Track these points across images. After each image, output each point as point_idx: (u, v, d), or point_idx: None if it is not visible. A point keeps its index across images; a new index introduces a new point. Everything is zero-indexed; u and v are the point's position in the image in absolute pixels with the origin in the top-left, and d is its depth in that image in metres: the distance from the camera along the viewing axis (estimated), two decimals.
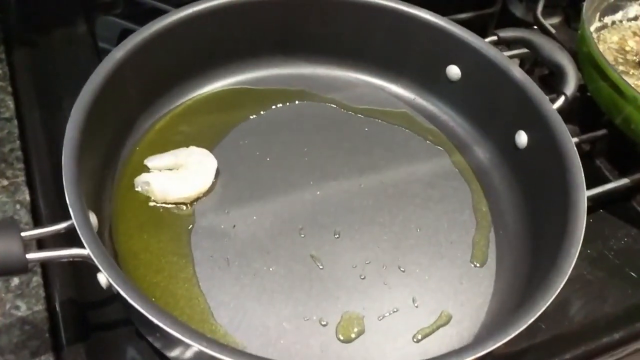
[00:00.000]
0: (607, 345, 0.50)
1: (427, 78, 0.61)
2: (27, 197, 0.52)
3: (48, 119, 0.58)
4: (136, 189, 0.52)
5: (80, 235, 0.39)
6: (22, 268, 0.39)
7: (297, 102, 0.61)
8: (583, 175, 0.47)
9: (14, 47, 0.64)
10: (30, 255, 0.39)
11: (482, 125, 0.59)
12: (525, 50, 0.66)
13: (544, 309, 0.40)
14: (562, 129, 0.50)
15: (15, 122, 0.58)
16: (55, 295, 0.47)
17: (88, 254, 0.38)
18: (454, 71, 0.59)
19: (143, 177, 0.52)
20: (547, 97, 0.53)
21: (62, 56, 0.64)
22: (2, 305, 0.46)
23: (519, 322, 0.39)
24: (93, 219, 0.43)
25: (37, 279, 0.48)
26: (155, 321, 0.36)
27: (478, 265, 0.51)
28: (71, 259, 0.40)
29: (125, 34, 0.54)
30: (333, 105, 0.61)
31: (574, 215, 0.45)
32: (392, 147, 0.58)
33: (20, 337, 0.45)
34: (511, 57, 0.65)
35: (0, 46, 0.64)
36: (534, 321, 0.39)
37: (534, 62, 0.70)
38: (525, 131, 0.54)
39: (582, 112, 0.64)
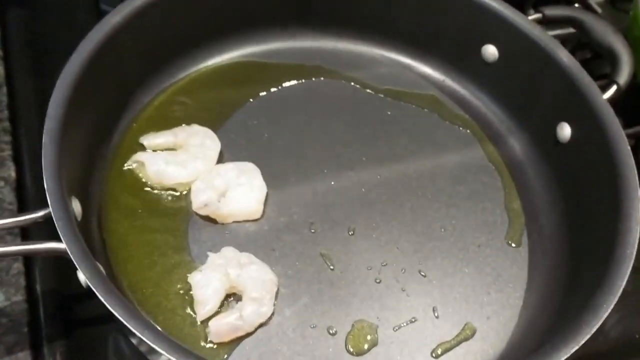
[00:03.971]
0: None
1: (460, 58, 0.58)
2: (13, 174, 0.50)
3: (41, 88, 0.56)
4: (128, 168, 0.49)
5: (58, 228, 0.36)
6: None
7: (313, 79, 0.58)
8: (637, 178, 0.45)
9: (8, 7, 0.61)
10: None
11: (519, 113, 0.56)
12: (567, 30, 0.64)
13: (591, 334, 0.37)
14: (614, 123, 0.48)
15: (5, 89, 0.55)
16: (36, 285, 0.44)
17: (64, 249, 0.35)
18: (490, 51, 0.56)
19: (137, 156, 0.49)
20: (597, 86, 0.50)
21: (60, 19, 0.61)
22: None
23: (562, 347, 0.37)
24: (76, 205, 0.41)
25: (18, 266, 0.45)
26: (138, 334, 0.33)
27: (508, 273, 0.48)
28: (45, 255, 0.36)
29: None
30: (353, 84, 0.58)
31: (626, 225, 0.43)
32: (417, 134, 0.55)
33: None
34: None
35: None
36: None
37: (576, 45, 0.66)
38: (569, 123, 0.51)
39: (626, 102, 0.60)
